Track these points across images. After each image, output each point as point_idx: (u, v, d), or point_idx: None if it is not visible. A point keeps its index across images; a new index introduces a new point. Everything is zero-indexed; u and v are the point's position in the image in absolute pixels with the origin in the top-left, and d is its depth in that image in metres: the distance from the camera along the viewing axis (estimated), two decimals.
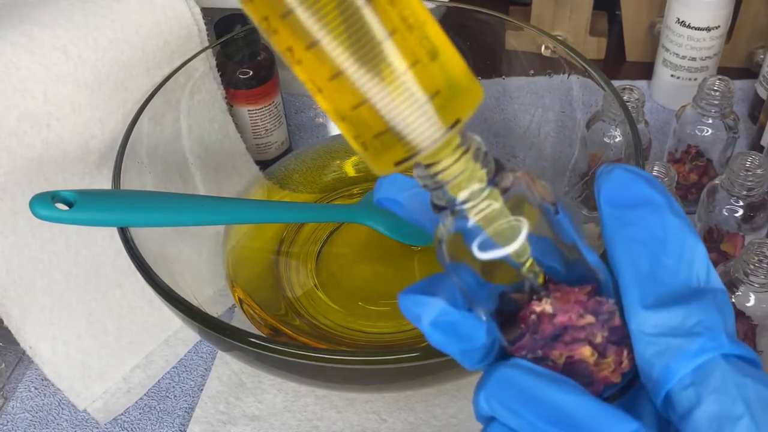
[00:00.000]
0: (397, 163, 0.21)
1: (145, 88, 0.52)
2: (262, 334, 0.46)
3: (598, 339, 0.23)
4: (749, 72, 0.72)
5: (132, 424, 0.52)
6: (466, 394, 0.51)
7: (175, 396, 0.53)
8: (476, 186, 0.22)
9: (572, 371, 0.23)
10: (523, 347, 0.23)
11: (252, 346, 0.38)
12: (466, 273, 0.23)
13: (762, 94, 0.66)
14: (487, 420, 0.23)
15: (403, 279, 0.54)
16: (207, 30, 0.56)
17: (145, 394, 0.53)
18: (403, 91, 0.20)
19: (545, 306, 0.23)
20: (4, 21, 0.48)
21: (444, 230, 0.23)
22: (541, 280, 0.23)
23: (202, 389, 0.53)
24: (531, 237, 0.23)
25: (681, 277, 0.22)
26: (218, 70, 0.57)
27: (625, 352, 0.23)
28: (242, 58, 0.59)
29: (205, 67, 0.56)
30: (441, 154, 0.21)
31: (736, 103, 0.68)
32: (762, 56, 0.70)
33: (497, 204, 0.22)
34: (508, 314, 0.24)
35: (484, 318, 0.24)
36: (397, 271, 0.54)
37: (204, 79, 0.56)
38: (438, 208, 0.23)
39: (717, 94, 0.56)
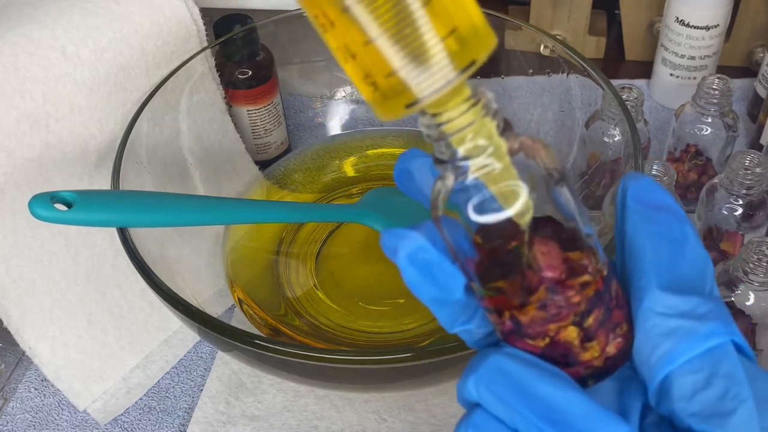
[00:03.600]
0: (408, 106, 0.20)
1: (144, 89, 0.52)
2: (262, 334, 0.46)
3: (589, 321, 0.22)
4: (748, 71, 0.72)
5: (132, 425, 0.52)
6: None
7: (174, 396, 0.53)
8: (482, 141, 0.21)
9: (555, 349, 0.23)
10: (507, 317, 0.23)
11: (252, 346, 0.38)
12: (457, 231, 0.23)
13: (761, 92, 0.66)
14: (471, 406, 0.22)
15: (402, 278, 0.54)
16: (206, 30, 0.56)
17: (144, 395, 0.53)
18: (419, 27, 0.19)
19: (535, 271, 0.22)
20: (3, 21, 0.48)
21: (441, 186, 0.22)
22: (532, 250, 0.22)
23: (201, 389, 0.53)
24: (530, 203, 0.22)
25: (694, 279, 0.23)
26: (217, 70, 0.57)
27: (611, 337, 0.23)
28: (241, 58, 0.59)
29: (204, 67, 0.56)
30: (451, 102, 0.21)
31: (736, 102, 0.68)
32: (761, 55, 0.70)
33: (501, 163, 0.21)
34: (496, 280, 0.23)
35: (467, 278, 0.23)
36: (397, 271, 0.54)
37: (203, 79, 0.56)
38: (439, 162, 0.22)
39: (716, 92, 0.56)
